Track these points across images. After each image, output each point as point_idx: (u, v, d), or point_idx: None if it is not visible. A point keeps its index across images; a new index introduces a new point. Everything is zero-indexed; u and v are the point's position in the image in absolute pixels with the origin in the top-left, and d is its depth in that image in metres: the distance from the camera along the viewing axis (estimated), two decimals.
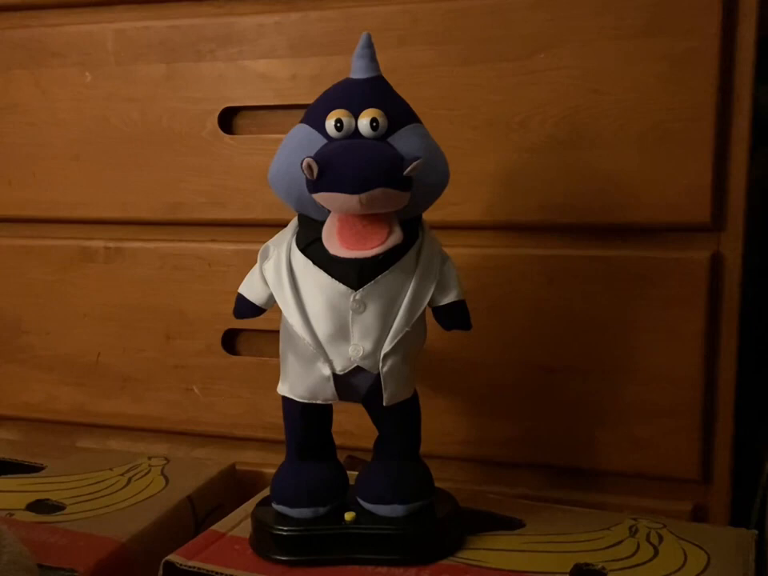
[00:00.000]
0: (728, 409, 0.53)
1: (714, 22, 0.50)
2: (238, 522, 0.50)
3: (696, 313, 0.52)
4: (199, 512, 0.55)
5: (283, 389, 0.46)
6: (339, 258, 0.42)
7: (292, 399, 0.46)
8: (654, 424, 0.54)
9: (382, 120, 0.42)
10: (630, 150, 0.52)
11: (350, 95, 0.43)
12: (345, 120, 0.42)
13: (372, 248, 0.41)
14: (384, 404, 0.44)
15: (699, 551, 0.46)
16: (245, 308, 0.46)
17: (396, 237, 0.41)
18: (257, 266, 0.45)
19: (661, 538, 0.47)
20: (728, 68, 0.51)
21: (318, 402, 0.45)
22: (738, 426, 0.53)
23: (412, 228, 0.44)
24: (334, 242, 0.42)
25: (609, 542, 0.47)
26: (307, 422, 0.46)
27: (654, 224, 0.53)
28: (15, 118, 0.65)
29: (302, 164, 0.40)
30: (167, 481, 0.57)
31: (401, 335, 0.43)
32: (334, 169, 0.40)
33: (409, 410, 0.47)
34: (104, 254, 0.64)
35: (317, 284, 0.43)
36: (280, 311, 0.45)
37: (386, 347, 0.43)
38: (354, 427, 0.49)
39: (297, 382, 0.45)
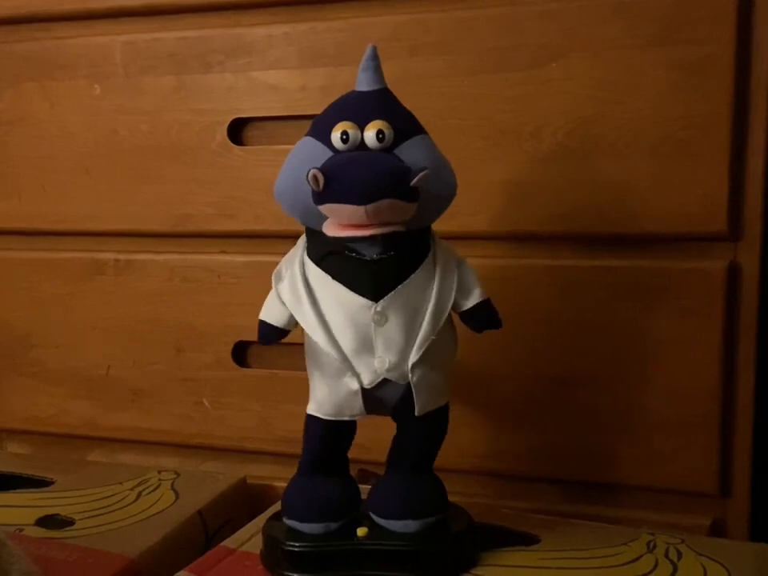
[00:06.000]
0: (747, 421, 0.52)
1: (728, 29, 0.49)
2: (248, 538, 0.49)
3: (713, 324, 0.52)
4: (210, 526, 0.54)
5: (311, 408, 0.45)
6: (337, 238, 0.41)
7: (317, 417, 0.45)
8: (671, 437, 0.53)
9: (387, 132, 0.42)
10: (643, 160, 0.52)
11: (355, 107, 0.43)
12: (351, 132, 0.42)
13: (370, 229, 0.41)
14: (416, 414, 0.44)
15: (719, 567, 0.45)
16: (268, 333, 0.45)
17: (396, 226, 0.41)
18: (272, 290, 0.45)
19: (680, 554, 0.47)
20: (743, 75, 0.50)
21: (345, 418, 0.44)
22: (756, 438, 0.53)
23: (423, 238, 0.44)
24: (333, 227, 0.41)
25: (626, 558, 0.46)
26: (330, 441, 0.46)
27: (670, 234, 0.52)
28: (25, 131, 0.65)
29: (307, 175, 0.40)
30: (177, 495, 0.56)
31: (427, 344, 0.43)
32: (340, 179, 0.40)
33: (439, 420, 0.46)
34: (114, 266, 0.64)
35: (336, 298, 0.43)
36: (300, 330, 0.44)
37: (413, 357, 0.43)
38: (366, 440, 0.48)
39: (324, 399, 0.44)
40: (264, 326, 0.45)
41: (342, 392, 0.44)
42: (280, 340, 0.45)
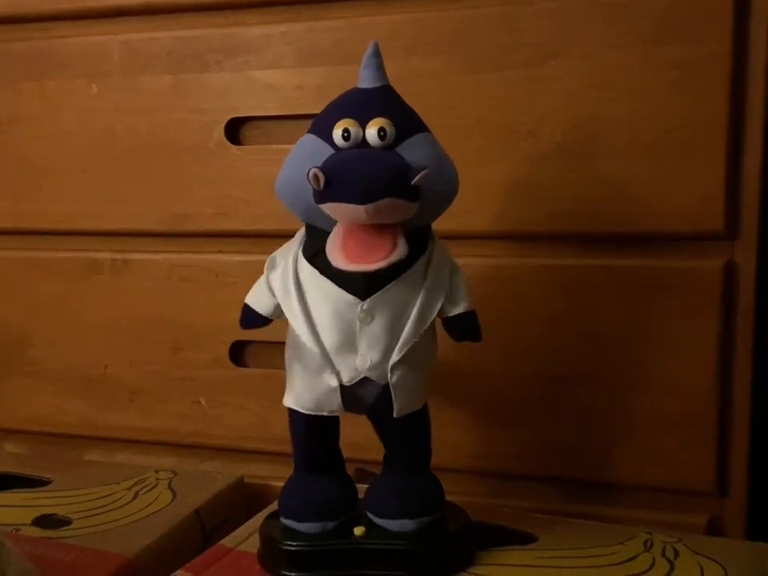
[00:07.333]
0: (743, 420, 0.52)
1: (725, 29, 0.49)
2: (246, 537, 0.49)
3: (710, 322, 0.52)
4: (207, 526, 0.54)
5: (288, 400, 0.46)
6: (343, 270, 0.41)
7: (298, 411, 0.45)
8: (668, 436, 0.53)
9: (389, 129, 0.42)
10: (641, 158, 0.52)
11: (357, 105, 0.43)
12: (352, 130, 0.41)
13: (375, 262, 0.41)
14: (394, 415, 0.44)
15: (716, 566, 0.45)
16: (251, 318, 0.45)
17: (400, 252, 0.41)
18: (263, 276, 0.45)
19: (677, 553, 0.47)
20: (740, 74, 0.50)
21: (324, 413, 0.44)
22: (754, 437, 0.52)
23: (421, 238, 0.44)
24: (337, 255, 0.41)
25: (623, 557, 0.46)
26: (313, 435, 0.46)
27: (667, 233, 0.52)
28: (22, 130, 0.65)
29: (308, 174, 0.40)
30: (174, 495, 0.56)
31: (409, 345, 0.43)
32: (341, 179, 0.40)
33: (418, 422, 0.46)
34: (111, 265, 0.64)
35: (324, 294, 0.43)
36: (287, 323, 0.44)
37: (394, 357, 0.43)
38: (362, 440, 0.48)
39: (303, 393, 0.45)
40: (249, 311, 0.45)
41: (321, 388, 0.44)
42: (261, 327, 0.45)
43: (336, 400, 0.44)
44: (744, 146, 0.50)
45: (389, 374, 0.43)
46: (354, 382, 0.43)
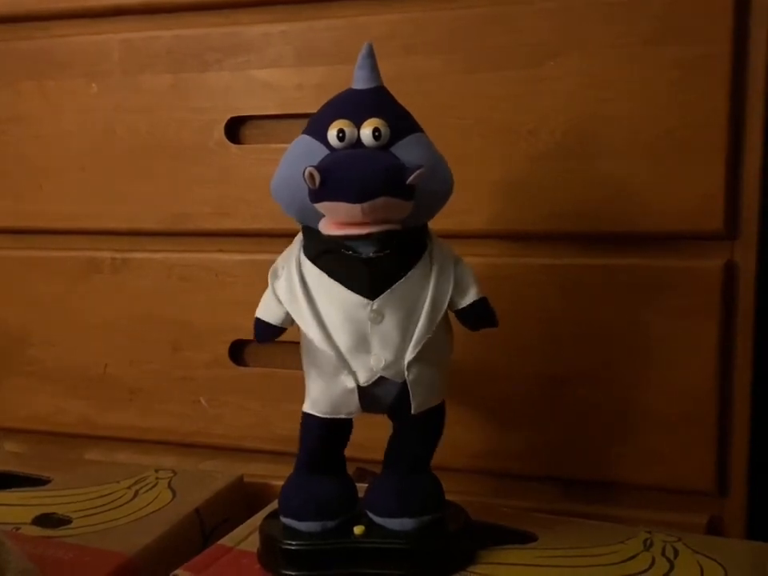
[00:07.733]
0: (744, 419, 0.52)
1: (725, 28, 0.49)
2: (245, 536, 0.49)
3: (710, 322, 0.52)
4: (207, 525, 0.54)
5: (307, 406, 0.45)
6: (334, 236, 0.41)
7: (314, 415, 0.45)
8: (668, 436, 0.53)
9: (384, 129, 0.42)
10: (641, 158, 0.52)
11: (351, 105, 0.43)
12: (347, 130, 0.42)
13: (367, 228, 0.41)
14: (412, 412, 0.44)
15: (715, 565, 0.45)
16: (264, 331, 0.45)
17: (392, 224, 0.41)
18: (269, 287, 0.45)
19: (676, 552, 0.47)
20: (740, 74, 0.50)
21: (341, 416, 0.44)
22: (754, 437, 0.53)
23: (419, 236, 0.44)
24: (329, 226, 0.41)
25: (623, 556, 0.46)
26: (326, 439, 0.46)
27: (666, 232, 0.52)
28: (22, 130, 0.65)
29: (303, 173, 0.40)
30: (174, 494, 0.56)
31: (423, 342, 0.43)
32: (336, 178, 0.40)
33: (436, 419, 0.46)
34: (110, 265, 0.64)
35: (332, 296, 0.43)
36: (296, 327, 0.44)
37: (410, 355, 0.43)
38: (363, 439, 0.48)
39: (320, 397, 0.44)
40: (260, 324, 0.45)
41: (337, 390, 0.44)
42: (276, 338, 0.45)
43: (354, 401, 0.44)
44: (744, 146, 0.51)
45: (405, 372, 0.43)
46: (370, 382, 0.43)
